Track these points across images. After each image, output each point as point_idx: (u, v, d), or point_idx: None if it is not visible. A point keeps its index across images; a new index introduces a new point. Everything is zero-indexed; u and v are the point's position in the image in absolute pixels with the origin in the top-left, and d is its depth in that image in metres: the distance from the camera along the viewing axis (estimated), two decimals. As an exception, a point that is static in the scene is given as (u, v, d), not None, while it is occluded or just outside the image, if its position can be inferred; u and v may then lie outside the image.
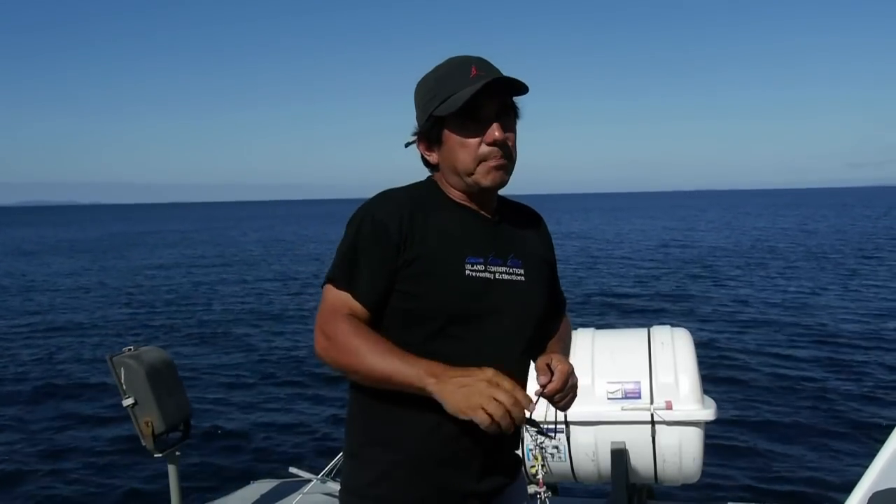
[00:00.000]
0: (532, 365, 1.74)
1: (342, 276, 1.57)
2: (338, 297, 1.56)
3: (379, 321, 1.58)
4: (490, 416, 1.36)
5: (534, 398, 1.50)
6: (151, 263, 29.15)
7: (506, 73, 1.59)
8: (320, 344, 1.54)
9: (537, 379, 1.60)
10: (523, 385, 1.70)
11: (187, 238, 47.85)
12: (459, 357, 1.50)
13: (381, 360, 1.46)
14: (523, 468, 3.40)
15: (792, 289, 17.68)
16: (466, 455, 1.59)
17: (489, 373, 1.41)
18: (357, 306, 1.55)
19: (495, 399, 1.37)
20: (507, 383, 1.40)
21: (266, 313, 16.12)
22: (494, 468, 1.66)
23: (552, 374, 1.59)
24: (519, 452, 1.81)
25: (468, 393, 1.38)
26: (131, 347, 3.47)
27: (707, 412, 3.27)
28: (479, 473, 1.62)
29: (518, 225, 1.74)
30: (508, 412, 1.37)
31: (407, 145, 1.68)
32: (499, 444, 1.65)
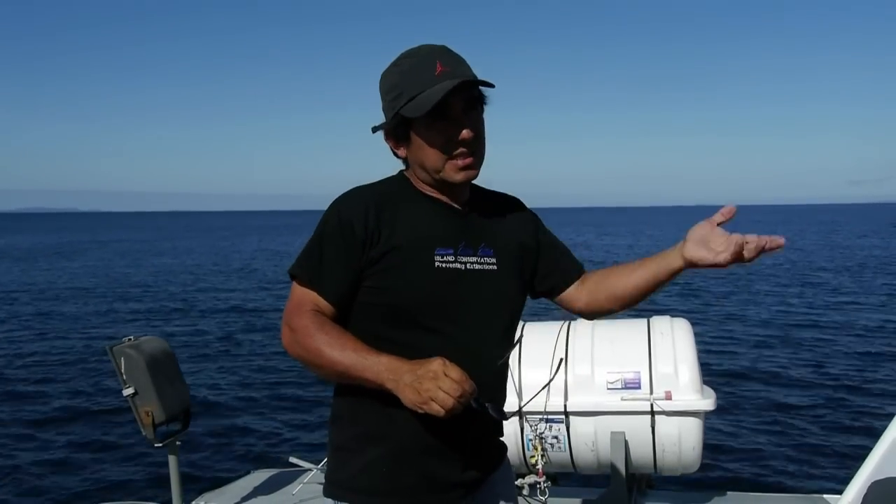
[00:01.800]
0: (519, 349, 1.75)
1: (306, 273, 1.59)
2: (303, 294, 1.58)
3: (347, 316, 1.59)
4: (442, 406, 1.37)
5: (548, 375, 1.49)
6: (154, 264, 29.18)
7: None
8: (286, 337, 1.56)
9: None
10: (503, 372, 1.70)
11: (188, 247, 47.90)
12: (435, 348, 1.50)
13: (340, 355, 1.48)
14: (522, 458, 3.42)
15: (791, 284, 17.69)
16: (450, 445, 1.59)
17: (434, 365, 1.40)
18: (322, 302, 1.57)
19: (442, 390, 1.37)
20: (454, 372, 1.39)
21: (264, 305, 16.13)
22: (479, 457, 1.67)
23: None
24: (509, 442, 1.80)
25: (418, 389, 1.39)
26: (131, 337, 3.46)
27: (706, 402, 3.27)
28: (464, 463, 1.63)
29: (491, 213, 1.72)
30: (459, 398, 1.38)
31: (374, 130, 1.66)
32: (483, 433, 1.66)
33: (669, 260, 1.63)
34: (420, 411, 1.40)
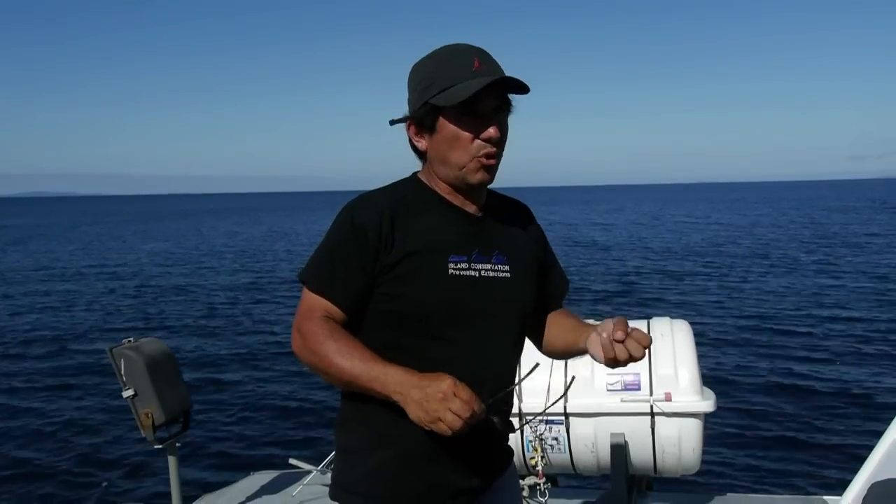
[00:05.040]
0: (523, 359, 1.73)
1: (317, 279, 1.57)
2: (314, 299, 1.56)
3: (358, 323, 1.57)
4: (450, 427, 1.36)
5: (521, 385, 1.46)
6: (150, 254, 29.21)
7: (504, 66, 1.57)
8: (296, 343, 1.56)
9: (613, 333, 1.51)
10: (512, 378, 1.68)
11: (189, 230, 47.95)
12: (447, 357, 1.50)
13: (350, 364, 1.46)
14: (522, 460, 3.42)
15: (791, 281, 17.70)
16: (457, 451, 1.58)
17: (444, 384, 1.38)
18: (333, 309, 1.55)
19: (451, 410, 1.35)
20: (464, 392, 1.37)
21: (266, 305, 16.13)
22: (485, 464, 1.66)
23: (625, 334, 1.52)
24: (511, 445, 1.79)
25: (426, 408, 1.38)
26: (131, 339, 3.47)
27: (706, 403, 3.27)
28: (470, 469, 1.62)
29: (504, 220, 1.71)
30: (468, 420, 1.36)
31: (392, 123, 1.63)
32: (492, 439, 1.65)
33: (581, 340, 1.63)
34: (426, 429, 1.39)
